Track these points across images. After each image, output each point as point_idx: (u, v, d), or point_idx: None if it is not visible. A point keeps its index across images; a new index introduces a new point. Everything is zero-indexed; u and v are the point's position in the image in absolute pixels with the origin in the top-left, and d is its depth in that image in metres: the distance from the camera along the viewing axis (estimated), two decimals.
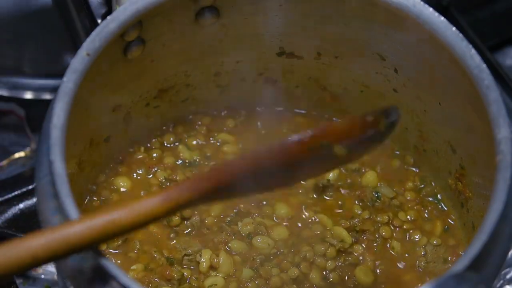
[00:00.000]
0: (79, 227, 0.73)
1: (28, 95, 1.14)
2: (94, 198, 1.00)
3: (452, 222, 1.01)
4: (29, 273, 1.08)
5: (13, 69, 1.18)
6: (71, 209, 0.78)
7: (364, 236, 0.99)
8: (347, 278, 0.96)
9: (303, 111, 1.10)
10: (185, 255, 0.95)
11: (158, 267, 0.95)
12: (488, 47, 1.27)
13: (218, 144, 1.06)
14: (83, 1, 1.00)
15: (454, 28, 0.90)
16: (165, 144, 1.05)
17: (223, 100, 1.08)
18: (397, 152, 1.07)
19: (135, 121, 1.02)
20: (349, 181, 1.04)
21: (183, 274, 0.94)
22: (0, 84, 1.13)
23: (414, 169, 1.05)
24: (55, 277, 1.08)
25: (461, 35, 0.89)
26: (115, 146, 1.01)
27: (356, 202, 1.02)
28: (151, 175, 1.03)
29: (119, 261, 0.95)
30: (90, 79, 0.87)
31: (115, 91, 0.97)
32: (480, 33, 1.27)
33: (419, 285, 0.96)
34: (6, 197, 1.11)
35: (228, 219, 0.99)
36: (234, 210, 0.99)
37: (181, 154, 1.04)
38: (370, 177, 1.04)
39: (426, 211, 1.02)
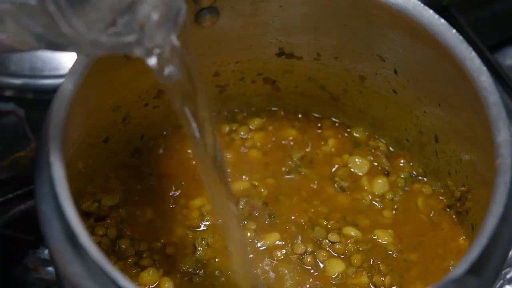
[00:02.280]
0: None
1: (28, 95, 1.14)
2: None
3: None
4: (29, 275, 1.08)
5: (13, 69, 1.18)
6: (70, 210, 0.78)
7: None
8: None
9: (302, 111, 1.10)
10: None
11: None
12: (488, 47, 1.26)
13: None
14: None
15: (454, 31, 0.90)
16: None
17: (222, 100, 1.08)
18: (392, 149, 1.07)
19: (135, 121, 1.02)
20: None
21: None
22: (0, 84, 1.13)
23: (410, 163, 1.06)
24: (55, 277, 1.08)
25: (461, 37, 0.89)
26: (114, 147, 1.01)
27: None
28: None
29: None
30: (90, 80, 0.87)
31: (115, 92, 0.97)
32: (480, 33, 1.27)
33: None
34: (6, 197, 1.11)
35: None
36: None
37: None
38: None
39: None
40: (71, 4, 0.70)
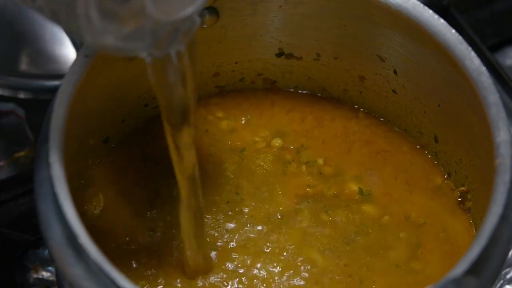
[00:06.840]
0: None
1: (28, 95, 1.14)
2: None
3: None
4: (29, 275, 1.08)
5: (13, 69, 1.18)
6: (70, 211, 0.78)
7: None
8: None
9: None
10: None
11: None
12: (488, 47, 1.26)
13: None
14: None
15: (453, 31, 0.90)
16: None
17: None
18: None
19: (135, 121, 1.02)
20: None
21: None
22: (0, 84, 1.13)
23: None
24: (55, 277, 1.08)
25: (460, 37, 0.89)
26: (114, 148, 1.01)
27: None
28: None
29: None
30: (90, 80, 0.87)
31: (115, 92, 0.97)
32: (480, 33, 1.27)
33: None
34: (6, 197, 1.11)
35: None
36: None
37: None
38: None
39: None
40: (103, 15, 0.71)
